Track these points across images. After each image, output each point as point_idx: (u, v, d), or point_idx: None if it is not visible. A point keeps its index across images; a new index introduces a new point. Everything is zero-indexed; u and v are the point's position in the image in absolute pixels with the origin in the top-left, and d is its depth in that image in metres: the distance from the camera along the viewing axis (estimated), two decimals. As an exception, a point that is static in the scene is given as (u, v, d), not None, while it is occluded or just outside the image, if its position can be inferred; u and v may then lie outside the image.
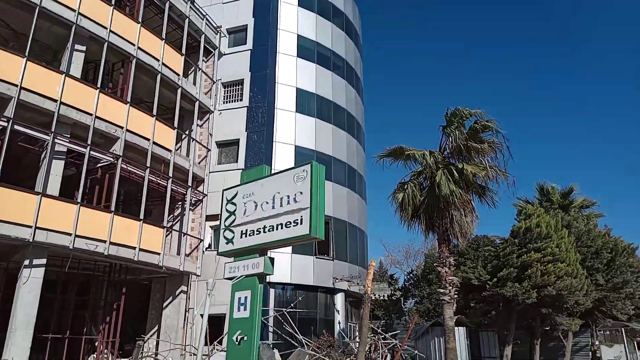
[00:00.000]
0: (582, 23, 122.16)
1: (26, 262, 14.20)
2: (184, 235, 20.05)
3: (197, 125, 22.30)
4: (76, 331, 18.91)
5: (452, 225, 17.06)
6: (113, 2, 17.83)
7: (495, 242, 27.91)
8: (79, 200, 15.60)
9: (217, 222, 11.45)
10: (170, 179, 19.13)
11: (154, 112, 18.92)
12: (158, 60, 19.53)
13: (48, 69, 15.63)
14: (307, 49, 26.39)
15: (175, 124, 20.10)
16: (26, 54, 14.74)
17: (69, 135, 15.86)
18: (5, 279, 17.28)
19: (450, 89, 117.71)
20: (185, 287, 20.18)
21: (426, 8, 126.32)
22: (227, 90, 25.08)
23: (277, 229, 9.52)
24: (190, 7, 22.23)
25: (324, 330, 21.93)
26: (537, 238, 23.49)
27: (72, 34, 16.30)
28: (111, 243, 16.04)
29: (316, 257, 23.40)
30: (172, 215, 20.59)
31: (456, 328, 19.35)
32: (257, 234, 9.87)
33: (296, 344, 20.49)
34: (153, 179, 18.40)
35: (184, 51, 21.27)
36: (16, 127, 14.16)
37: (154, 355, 19.05)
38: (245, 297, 9.56)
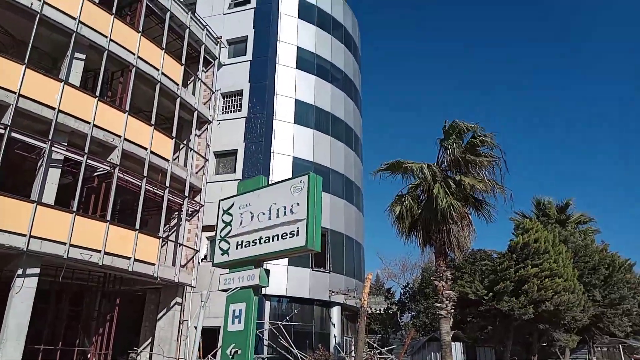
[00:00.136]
0: (582, 23, 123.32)
1: (19, 272, 14.01)
2: (179, 246, 19.90)
3: (196, 135, 22.27)
4: (69, 342, 18.66)
5: (449, 238, 16.99)
6: (114, 11, 17.88)
7: (493, 256, 27.85)
8: (74, 209, 15.47)
9: (214, 233, 11.36)
10: (167, 189, 19.04)
11: (153, 122, 18.88)
12: (158, 69, 19.55)
13: (47, 76, 15.59)
14: (307, 61, 26.51)
15: (174, 134, 20.06)
16: (25, 61, 14.71)
17: (66, 144, 15.77)
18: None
19: (450, 89, 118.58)
20: (180, 299, 19.98)
21: (425, 8, 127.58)
22: (226, 101, 25.13)
23: (273, 240, 9.46)
24: (191, 17, 22.33)
25: (320, 344, 21.72)
26: (534, 253, 23.44)
27: (72, 42, 16.29)
28: (106, 253, 15.88)
29: (312, 270, 23.26)
30: (168, 226, 20.45)
31: (453, 343, 19.19)
32: (252, 245, 9.80)
33: (291, 358, 20.27)
34: (150, 188, 18.30)
35: (183, 61, 21.31)
36: (13, 134, 14.07)
37: (146, 367, 18.81)
38: (240, 310, 9.46)
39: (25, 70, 14.66)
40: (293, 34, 26.52)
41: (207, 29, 23.53)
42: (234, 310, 9.60)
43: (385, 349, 23.13)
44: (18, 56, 15.14)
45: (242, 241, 10.04)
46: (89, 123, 16.27)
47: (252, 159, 23.10)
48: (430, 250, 19.02)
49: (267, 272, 9.72)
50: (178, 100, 20.55)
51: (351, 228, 26.71)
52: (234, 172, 23.19)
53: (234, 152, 23.68)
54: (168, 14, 20.72)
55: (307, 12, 27.56)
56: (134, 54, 18.48)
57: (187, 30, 21.88)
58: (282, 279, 21.91)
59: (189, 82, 23.03)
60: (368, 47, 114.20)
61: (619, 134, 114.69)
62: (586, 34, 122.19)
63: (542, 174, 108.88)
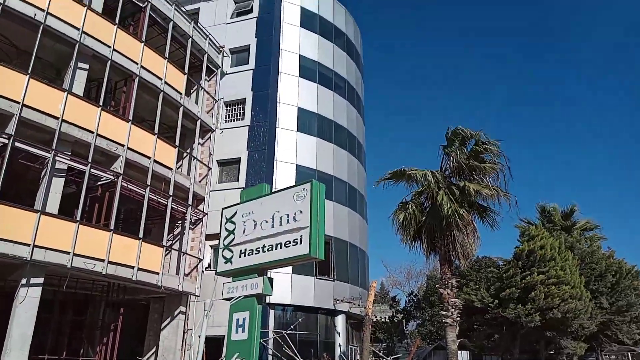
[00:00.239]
0: (582, 23, 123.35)
1: (23, 281, 13.99)
2: (183, 255, 19.85)
3: (199, 143, 22.30)
4: (73, 352, 18.59)
5: (454, 246, 16.90)
6: (117, 21, 17.99)
7: (498, 263, 27.67)
8: (78, 218, 15.47)
9: (217, 242, 11.30)
10: (171, 198, 19.03)
11: (156, 131, 18.92)
12: (161, 79, 19.62)
13: (50, 86, 15.67)
14: (309, 69, 26.58)
15: (177, 143, 20.09)
16: (29, 71, 14.79)
17: (69, 153, 15.81)
18: (1, 298, 17.03)
19: (449, 91, 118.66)
20: (184, 308, 19.90)
21: (425, 8, 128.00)
22: (229, 109, 25.18)
23: (276, 248, 9.40)
24: (194, 27, 22.45)
25: (325, 353, 21.56)
26: (540, 260, 23.26)
27: (75, 52, 16.38)
28: (109, 262, 15.85)
29: (317, 278, 23.14)
30: (171, 234, 20.43)
31: (459, 352, 19.02)
32: (256, 253, 9.74)
33: (296, 367, 20.11)
34: (153, 197, 18.29)
35: (186, 70, 21.39)
36: (17, 144, 14.12)
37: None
38: (244, 319, 9.38)
39: (28, 80, 14.73)
40: (295, 42, 26.61)
41: (209, 38, 23.64)
42: (237, 320, 9.52)
43: (391, 357, 22.95)
44: (22, 66, 15.22)
45: (246, 249, 9.98)
46: (92, 132, 16.31)
47: (255, 167, 23.09)
48: (435, 258, 18.95)
49: (271, 280, 9.64)
50: (181, 109, 20.60)
51: (355, 236, 26.60)
52: (238, 180, 23.16)
53: (237, 161, 23.67)
54: (171, 24, 20.84)
55: (309, 21, 27.67)
56: (137, 64, 18.56)
57: (190, 40, 21.99)
58: (287, 287, 21.79)
59: (192, 91, 23.11)
60: (367, 48, 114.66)
61: (622, 138, 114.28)
62: (586, 33, 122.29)
63: (544, 179, 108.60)
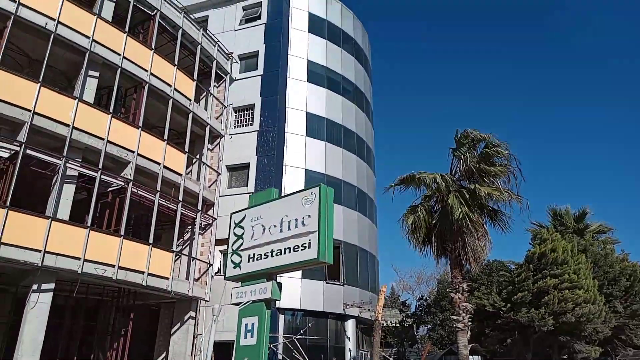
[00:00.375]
0: (582, 23, 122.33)
1: (34, 287, 14.12)
2: (193, 260, 19.91)
3: (208, 149, 22.40)
4: (83, 357, 18.68)
5: (464, 249, 16.74)
6: (127, 29, 18.17)
7: (510, 267, 27.39)
8: (88, 224, 15.59)
9: (226, 247, 11.31)
10: (181, 203, 19.11)
11: (166, 137, 19.04)
12: (170, 85, 19.76)
13: (61, 94, 15.84)
14: (317, 74, 26.64)
15: (186, 148, 20.20)
16: (40, 80, 14.97)
17: (80, 160, 15.96)
18: (13, 304, 17.18)
19: (457, 95, 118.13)
20: (193, 313, 19.93)
21: (430, 12, 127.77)
22: (238, 115, 25.29)
23: (285, 253, 9.36)
24: (203, 34, 22.60)
25: (335, 358, 21.47)
26: (552, 263, 22.99)
27: (85, 60, 16.56)
28: (120, 267, 15.94)
29: (326, 282, 23.08)
30: (181, 240, 20.50)
31: (471, 357, 18.82)
32: (264, 258, 9.70)
33: (306, 372, 20.04)
34: (163, 203, 18.39)
35: (195, 77, 21.53)
36: (28, 151, 14.29)
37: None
38: (253, 324, 9.34)
39: (40, 88, 14.91)
40: (304, 48, 26.70)
41: (218, 45, 23.78)
42: (246, 324, 9.48)
43: (402, 362, 22.78)
44: (33, 75, 15.43)
45: (254, 254, 9.96)
46: (102, 139, 16.45)
47: (264, 172, 23.14)
48: (445, 262, 18.79)
49: (280, 285, 9.61)
50: (190, 115, 20.71)
51: (365, 240, 26.52)
52: (247, 185, 23.24)
53: (246, 166, 23.76)
54: (180, 31, 21.01)
55: (317, 26, 27.77)
56: (146, 71, 18.71)
57: (199, 47, 22.14)
58: (296, 292, 21.76)
59: (201, 97, 23.24)
60: (375, 49, 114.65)
61: (632, 140, 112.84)
62: (586, 33, 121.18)
63: (556, 182, 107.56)
